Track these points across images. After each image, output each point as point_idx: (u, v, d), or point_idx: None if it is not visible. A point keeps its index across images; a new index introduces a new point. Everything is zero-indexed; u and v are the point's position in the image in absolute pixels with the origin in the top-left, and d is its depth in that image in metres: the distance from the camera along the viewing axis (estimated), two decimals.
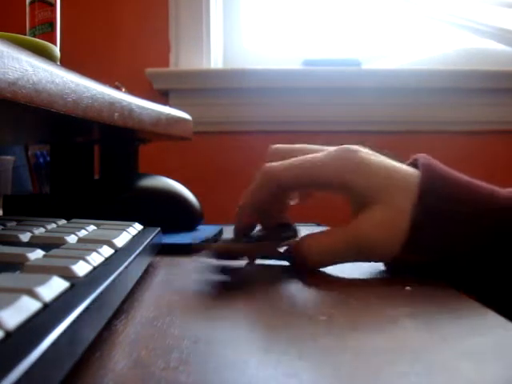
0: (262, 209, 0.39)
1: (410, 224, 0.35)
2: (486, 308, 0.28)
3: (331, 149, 0.38)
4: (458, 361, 0.20)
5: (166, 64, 1.21)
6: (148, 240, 0.35)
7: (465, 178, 0.37)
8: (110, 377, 0.18)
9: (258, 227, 0.40)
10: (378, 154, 0.38)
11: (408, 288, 0.32)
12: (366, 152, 0.37)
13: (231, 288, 0.33)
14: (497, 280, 0.36)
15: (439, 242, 0.36)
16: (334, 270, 0.37)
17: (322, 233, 0.38)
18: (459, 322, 0.26)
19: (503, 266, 0.35)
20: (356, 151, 0.37)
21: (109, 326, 0.23)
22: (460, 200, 0.36)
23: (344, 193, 0.38)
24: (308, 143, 0.40)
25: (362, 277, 0.36)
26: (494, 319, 0.26)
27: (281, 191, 0.38)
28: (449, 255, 0.36)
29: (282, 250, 0.39)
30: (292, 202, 0.41)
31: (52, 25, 0.57)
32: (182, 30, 1.21)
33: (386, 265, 0.38)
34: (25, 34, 0.56)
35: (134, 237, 0.35)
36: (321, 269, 0.37)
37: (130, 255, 0.29)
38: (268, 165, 0.38)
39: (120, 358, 0.20)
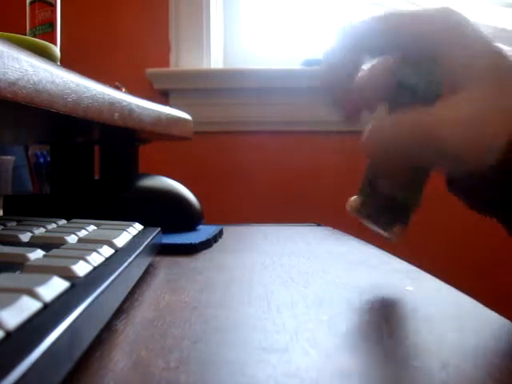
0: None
1: None
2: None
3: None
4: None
5: (166, 64, 1.21)
6: (148, 240, 0.35)
7: None
8: (109, 377, 0.18)
9: None
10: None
11: (409, 288, 0.32)
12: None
13: (231, 287, 0.33)
14: None
15: None
16: (334, 270, 0.37)
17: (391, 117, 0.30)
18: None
19: None
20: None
21: (109, 326, 0.23)
22: None
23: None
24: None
25: (362, 277, 0.36)
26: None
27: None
28: None
29: None
30: None
31: (52, 25, 0.57)
32: (182, 30, 1.21)
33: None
34: (25, 34, 0.56)
35: (134, 237, 0.35)
36: (320, 268, 0.37)
37: (130, 255, 0.29)
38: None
39: (120, 358, 0.20)
